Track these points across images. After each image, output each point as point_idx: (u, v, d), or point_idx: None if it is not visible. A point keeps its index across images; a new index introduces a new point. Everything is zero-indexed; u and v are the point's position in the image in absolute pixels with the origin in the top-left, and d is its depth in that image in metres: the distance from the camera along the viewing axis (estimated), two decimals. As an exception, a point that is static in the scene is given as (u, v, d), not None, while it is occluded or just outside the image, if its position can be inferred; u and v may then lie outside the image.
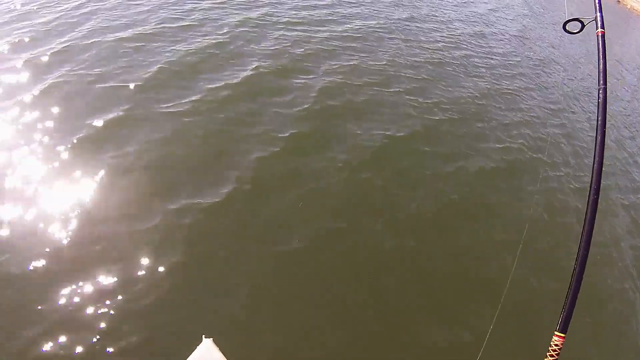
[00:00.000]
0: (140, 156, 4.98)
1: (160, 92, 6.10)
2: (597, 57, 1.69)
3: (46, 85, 5.91)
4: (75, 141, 5.02)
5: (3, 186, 4.38)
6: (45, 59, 6.53)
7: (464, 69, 9.16)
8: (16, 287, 3.51)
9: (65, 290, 3.54)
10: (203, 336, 2.76)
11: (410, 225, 4.86)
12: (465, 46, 10.61)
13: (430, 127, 6.63)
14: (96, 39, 7.21)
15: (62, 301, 3.48)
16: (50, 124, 5.27)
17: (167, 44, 7.34)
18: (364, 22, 10.24)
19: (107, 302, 3.52)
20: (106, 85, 6.07)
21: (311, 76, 7.23)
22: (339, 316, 3.86)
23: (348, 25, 9.76)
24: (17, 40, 6.99)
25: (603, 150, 1.70)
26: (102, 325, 3.37)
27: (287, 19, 9.25)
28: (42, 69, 6.31)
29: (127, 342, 3.29)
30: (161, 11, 8.54)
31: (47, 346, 3.18)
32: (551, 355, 2.11)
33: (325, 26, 9.40)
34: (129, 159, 4.92)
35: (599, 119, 1.65)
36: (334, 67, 7.70)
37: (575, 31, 1.89)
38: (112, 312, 3.47)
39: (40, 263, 3.72)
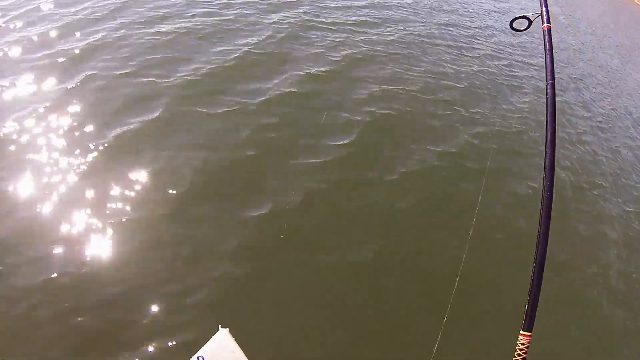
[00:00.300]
0: (176, 160, 5.01)
1: (195, 90, 6.19)
2: (544, 53, 1.67)
3: (78, 79, 6.05)
4: (109, 139, 5.11)
5: (33, 184, 4.48)
6: (76, 51, 6.67)
7: (506, 81, 8.91)
8: (50, 288, 3.68)
9: (101, 290, 3.72)
10: (219, 326, 2.80)
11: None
12: (505, 56, 10.31)
13: (473, 142, 6.44)
14: (129, 32, 7.35)
15: (99, 297, 3.66)
16: (81, 120, 5.34)
17: (201, 41, 7.44)
18: (403, 25, 10.11)
19: (133, 294, 3.72)
20: (139, 81, 6.18)
21: (349, 82, 7.14)
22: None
23: (386, 29, 9.67)
24: (46, 31, 7.10)
25: (554, 145, 1.68)
26: (126, 314, 3.57)
27: (322, 19, 9.25)
28: (73, 62, 6.44)
29: (145, 330, 3.48)
30: (195, 5, 8.73)
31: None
32: (519, 355, 2.09)
33: (363, 29, 9.32)
34: (166, 163, 4.96)
35: (548, 114, 1.63)
36: (373, 73, 7.61)
37: (522, 28, 1.88)
38: (136, 302, 3.66)
39: (72, 265, 3.85)
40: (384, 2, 11.49)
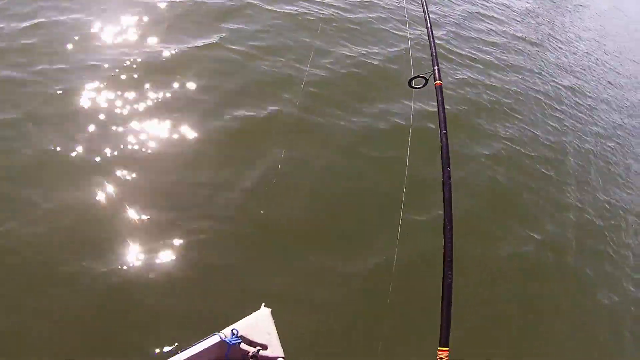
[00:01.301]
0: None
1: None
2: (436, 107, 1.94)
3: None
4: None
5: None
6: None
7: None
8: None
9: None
10: (263, 304, 2.80)
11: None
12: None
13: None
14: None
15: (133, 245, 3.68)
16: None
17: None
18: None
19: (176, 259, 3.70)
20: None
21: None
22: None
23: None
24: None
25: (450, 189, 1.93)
26: (167, 280, 3.53)
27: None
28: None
29: (188, 301, 3.48)
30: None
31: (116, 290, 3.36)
32: (440, 371, 2.25)
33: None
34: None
35: (443, 159, 1.89)
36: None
37: (419, 86, 2.18)
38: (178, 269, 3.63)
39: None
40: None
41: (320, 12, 7.61)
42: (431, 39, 2.30)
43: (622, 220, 6.69)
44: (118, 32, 5.80)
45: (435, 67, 2.12)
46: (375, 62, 6.95)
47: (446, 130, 1.92)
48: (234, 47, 6.08)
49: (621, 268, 5.86)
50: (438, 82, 2.06)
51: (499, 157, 6.30)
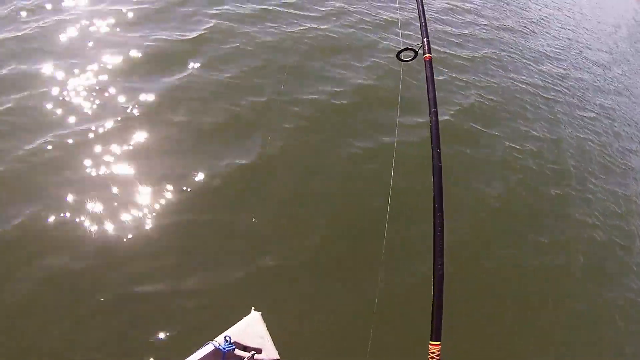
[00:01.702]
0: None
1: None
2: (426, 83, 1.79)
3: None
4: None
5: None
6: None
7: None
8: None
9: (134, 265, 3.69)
10: (252, 308, 2.84)
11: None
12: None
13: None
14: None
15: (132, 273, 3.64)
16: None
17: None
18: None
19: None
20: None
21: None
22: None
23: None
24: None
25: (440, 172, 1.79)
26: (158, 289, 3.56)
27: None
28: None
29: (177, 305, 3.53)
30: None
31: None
32: (431, 365, 2.15)
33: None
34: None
35: (433, 140, 1.74)
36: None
37: (408, 59, 2.01)
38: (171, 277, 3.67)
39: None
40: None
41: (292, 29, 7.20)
42: (420, 8, 2.12)
43: (619, 207, 6.57)
44: (87, 82, 5.35)
45: (425, 39, 1.95)
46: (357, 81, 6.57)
47: (436, 109, 1.77)
48: (206, 79, 5.72)
49: (624, 261, 5.73)
50: (427, 55, 1.90)
51: (492, 156, 6.20)
